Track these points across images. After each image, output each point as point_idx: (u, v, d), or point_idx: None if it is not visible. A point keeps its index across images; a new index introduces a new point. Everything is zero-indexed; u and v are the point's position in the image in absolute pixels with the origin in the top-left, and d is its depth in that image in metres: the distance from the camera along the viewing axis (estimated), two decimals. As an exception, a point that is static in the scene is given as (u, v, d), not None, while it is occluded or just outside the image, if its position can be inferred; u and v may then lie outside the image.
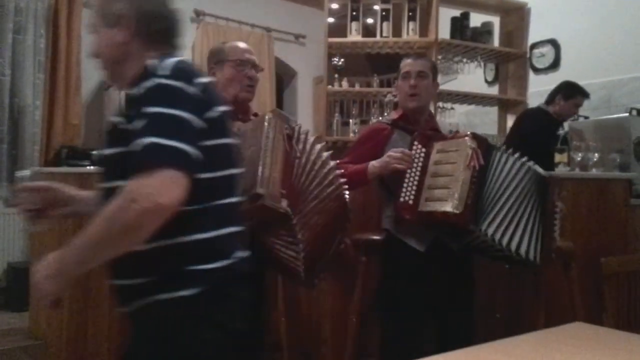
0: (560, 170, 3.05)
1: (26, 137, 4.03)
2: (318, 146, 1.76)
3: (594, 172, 2.99)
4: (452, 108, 4.68)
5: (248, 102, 1.94)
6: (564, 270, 2.36)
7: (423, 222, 1.93)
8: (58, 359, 2.70)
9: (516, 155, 1.94)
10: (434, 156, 1.94)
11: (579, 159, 3.02)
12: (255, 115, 1.98)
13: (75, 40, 4.31)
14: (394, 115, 2.24)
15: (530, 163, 1.96)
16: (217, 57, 1.93)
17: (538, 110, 3.79)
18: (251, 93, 1.92)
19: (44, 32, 4.17)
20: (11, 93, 3.99)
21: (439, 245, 2.02)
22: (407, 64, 2.18)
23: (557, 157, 3.00)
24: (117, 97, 4.19)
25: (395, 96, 2.43)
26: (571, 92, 3.50)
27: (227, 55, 1.91)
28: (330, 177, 1.74)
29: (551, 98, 3.58)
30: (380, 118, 2.42)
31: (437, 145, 1.96)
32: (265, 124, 1.61)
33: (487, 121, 4.97)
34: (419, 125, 2.14)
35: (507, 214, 1.87)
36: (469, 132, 1.94)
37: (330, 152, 1.81)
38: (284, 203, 1.55)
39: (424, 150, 1.96)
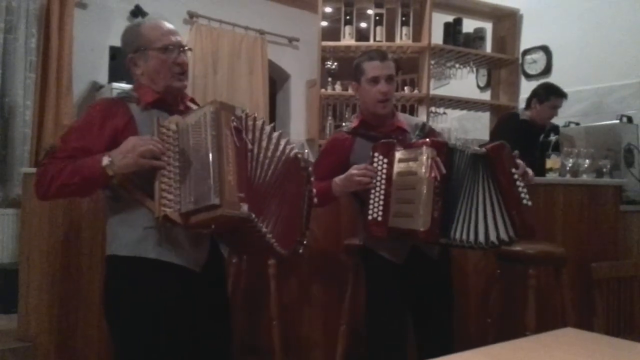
0: (551, 176, 3.07)
1: (16, 137, 3.99)
2: (267, 128, 1.60)
3: (585, 178, 3.01)
4: (444, 113, 4.70)
5: (182, 91, 1.70)
6: (555, 275, 2.37)
7: (394, 238, 1.88)
8: (46, 361, 2.68)
9: (470, 150, 1.87)
10: (396, 166, 1.87)
11: (569, 165, 3.04)
12: (193, 101, 1.78)
13: (66, 40, 4.28)
14: (354, 122, 2.14)
15: (474, 149, 1.88)
16: (136, 44, 1.64)
17: (510, 116, 3.79)
18: (183, 81, 1.67)
19: (36, 31, 4.14)
20: (2, 93, 3.96)
21: (416, 255, 1.98)
22: (374, 66, 2.03)
23: (548, 163, 3.00)
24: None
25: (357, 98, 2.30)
26: (546, 95, 3.43)
27: (148, 42, 1.63)
28: (284, 156, 1.63)
29: (528, 103, 3.54)
30: (343, 125, 2.28)
31: (398, 154, 1.88)
32: (209, 120, 1.44)
33: (479, 126, 5.00)
34: (382, 128, 2.07)
35: (471, 212, 1.82)
36: (427, 140, 1.84)
37: (280, 131, 1.67)
38: (245, 207, 1.43)
39: (385, 160, 1.88)
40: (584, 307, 2.53)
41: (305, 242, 1.70)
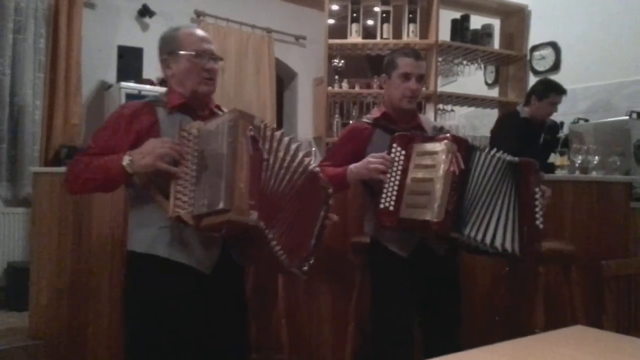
0: (561, 173, 3.05)
1: (26, 136, 4.02)
2: (286, 140, 1.62)
3: (594, 175, 2.99)
4: (452, 110, 4.69)
5: (209, 96, 1.77)
6: (564, 273, 2.36)
7: (404, 229, 1.87)
8: (57, 358, 2.70)
9: (495, 152, 1.88)
10: (414, 159, 1.87)
11: (579, 161, 3.02)
12: (218, 108, 1.83)
13: (75, 40, 4.31)
14: (376, 113, 2.15)
15: (505, 155, 1.89)
16: (170, 47, 1.73)
17: (510, 114, 3.73)
18: (212, 86, 1.74)
19: (44, 31, 4.17)
20: (11, 92, 3.99)
21: (422, 250, 1.98)
22: (408, 63, 2.06)
23: (558, 160, 2.99)
24: (117, 97, 4.20)
25: (381, 88, 2.31)
26: (544, 92, 3.36)
27: (182, 46, 1.70)
28: (301, 168, 1.64)
29: (527, 99, 3.48)
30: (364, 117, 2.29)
31: (417, 147, 1.88)
32: (226, 128, 1.48)
33: (487, 123, 4.97)
34: (402, 124, 2.08)
35: (486, 212, 1.83)
36: (448, 134, 1.86)
37: (299, 142, 1.69)
38: (254, 215, 1.44)
39: (403, 152, 1.88)
40: (593, 305, 2.51)
41: (312, 261, 1.67)
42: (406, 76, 2.06)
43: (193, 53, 1.70)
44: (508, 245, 1.83)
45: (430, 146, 1.86)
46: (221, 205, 1.40)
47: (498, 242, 1.82)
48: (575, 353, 1.14)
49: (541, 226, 1.87)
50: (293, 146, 1.64)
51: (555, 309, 2.43)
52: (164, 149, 1.50)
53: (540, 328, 2.18)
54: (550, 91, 3.36)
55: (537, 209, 1.88)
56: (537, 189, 1.89)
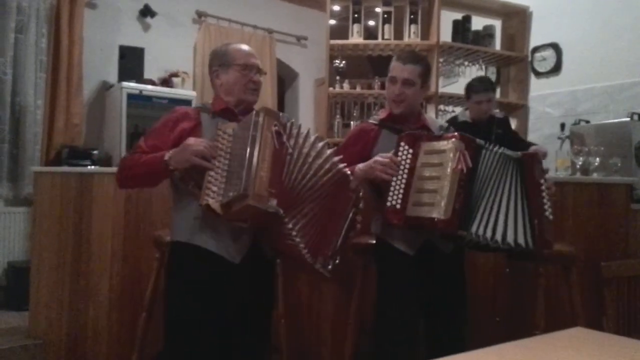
0: (562, 174, 3.05)
1: (27, 136, 4.03)
2: (312, 138, 1.73)
3: (595, 176, 2.99)
4: (453, 111, 4.68)
5: (253, 104, 1.93)
6: (564, 274, 2.36)
7: (411, 227, 1.88)
8: (57, 358, 2.70)
9: (499, 149, 1.89)
10: (422, 157, 1.89)
11: (580, 163, 3.02)
12: None
13: (77, 39, 4.31)
14: (382, 114, 2.18)
15: (509, 151, 1.91)
16: (221, 60, 1.92)
17: (448, 120, 3.72)
18: (257, 96, 1.93)
19: (46, 31, 4.17)
20: (13, 92, 3.99)
21: (429, 248, 1.99)
22: (395, 67, 2.08)
23: (559, 162, 2.99)
24: (119, 97, 4.20)
25: (382, 88, 2.36)
26: (467, 94, 3.38)
27: (232, 59, 1.90)
28: (327, 165, 1.74)
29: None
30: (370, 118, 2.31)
31: (424, 146, 1.90)
32: (252, 123, 1.60)
33: (488, 124, 4.97)
34: (408, 125, 2.09)
35: (492, 209, 1.84)
36: (456, 133, 1.87)
37: (326, 141, 1.80)
38: (273, 202, 1.55)
39: (410, 151, 1.90)
40: (593, 306, 2.51)
41: (337, 261, 1.76)
42: (392, 80, 2.09)
43: (242, 66, 1.88)
44: (521, 240, 1.85)
45: (437, 145, 1.87)
46: (241, 191, 1.51)
47: (510, 238, 1.84)
48: (575, 355, 1.14)
49: (551, 217, 1.89)
50: (319, 144, 1.75)
51: (555, 310, 2.43)
52: (199, 147, 1.66)
53: (540, 329, 2.18)
54: (471, 92, 3.36)
55: (545, 200, 1.89)
56: (542, 181, 1.91)
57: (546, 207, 1.89)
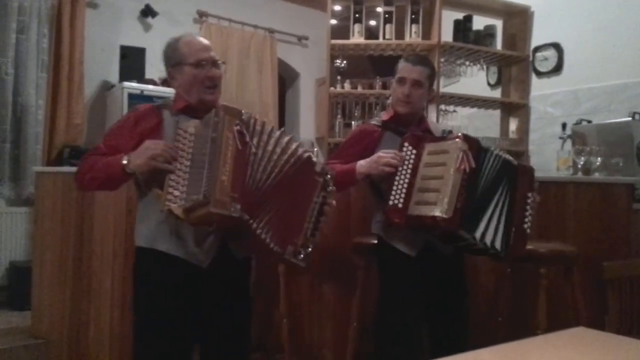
0: (563, 174, 3.04)
1: (29, 136, 4.03)
2: (277, 133, 1.65)
3: (597, 176, 2.98)
4: (454, 111, 4.68)
5: (214, 103, 1.77)
6: (566, 274, 2.36)
7: (412, 226, 1.89)
8: (59, 357, 2.71)
9: (500, 153, 1.91)
10: (425, 158, 1.90)
11: (581, 163, 3.02)
12: None
13: (78, 39, 4.32)
14: (385, 116, 2.18)
15: (507, 155, 1.93)
16: (173, 59, 1.79)
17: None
18: (215, 94, 1.78)
19: (47, 31, 4.18)
20: (14, 92, 4.00)
21: (430, 250, 2.00)
22: (404, 68, 2.09)
23: (560, 162, 2.99)
24: (120, 97, 4.21)
25: (387, 97, 2.37)
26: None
27: (183, 58, 1.76)
28: (293, 159, 1.66)
29: None
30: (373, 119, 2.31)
31: (428, 147, 1.92)
32: (212, 122, 1.53)
33: (489, 124, 4.97)
34: (411, 127, 2.10)
35: (487, 210, 1.86)
36: (460, 134, 1.89)
37: (291, 135, 1.70)
38: (237, 206, 1.48)
39: (414, 151, 1.91)
40: (595, 306, 2.50)
41: (309, 248, 1.67)
42: (401, 80, 2.08)
43: (194, 64, 1.74)
44: (497, 245, 1.87)
45: (441, 145, 1.89)
46: (202, 198, 1.46)
47: (488, 239, 1.86)
48: (577, 355, 1.14)
49: (528, 230, 1.92)
50: (285, 139, 1.67)
51: (557, 310, 2.43)
52: (156, 150, 1.57)
53: (542, 329, 2.18)
54: None
55: (527, 213, 1.93)
56: (529, 194, 1.94)
57: (526, 220, 1.93)
